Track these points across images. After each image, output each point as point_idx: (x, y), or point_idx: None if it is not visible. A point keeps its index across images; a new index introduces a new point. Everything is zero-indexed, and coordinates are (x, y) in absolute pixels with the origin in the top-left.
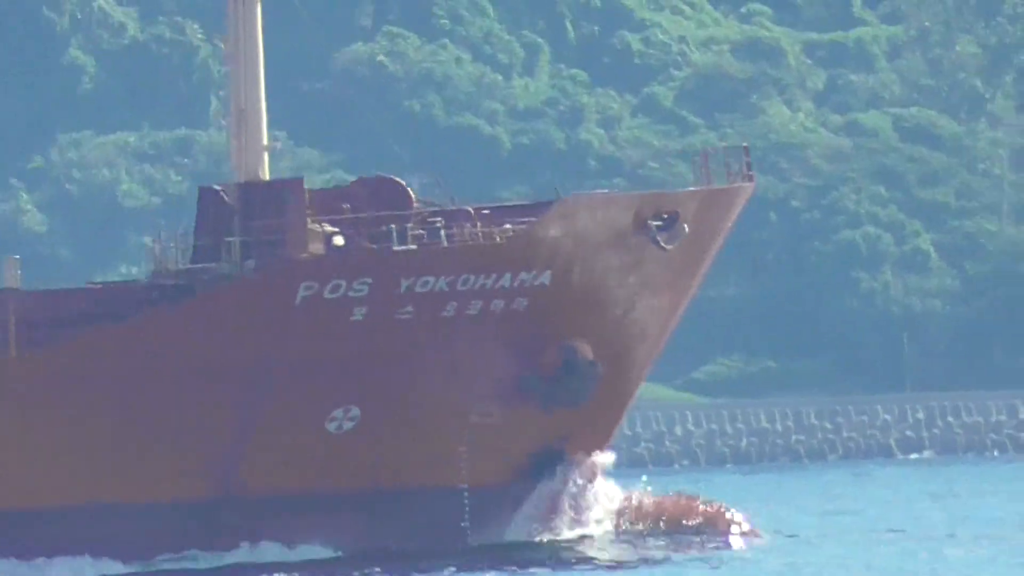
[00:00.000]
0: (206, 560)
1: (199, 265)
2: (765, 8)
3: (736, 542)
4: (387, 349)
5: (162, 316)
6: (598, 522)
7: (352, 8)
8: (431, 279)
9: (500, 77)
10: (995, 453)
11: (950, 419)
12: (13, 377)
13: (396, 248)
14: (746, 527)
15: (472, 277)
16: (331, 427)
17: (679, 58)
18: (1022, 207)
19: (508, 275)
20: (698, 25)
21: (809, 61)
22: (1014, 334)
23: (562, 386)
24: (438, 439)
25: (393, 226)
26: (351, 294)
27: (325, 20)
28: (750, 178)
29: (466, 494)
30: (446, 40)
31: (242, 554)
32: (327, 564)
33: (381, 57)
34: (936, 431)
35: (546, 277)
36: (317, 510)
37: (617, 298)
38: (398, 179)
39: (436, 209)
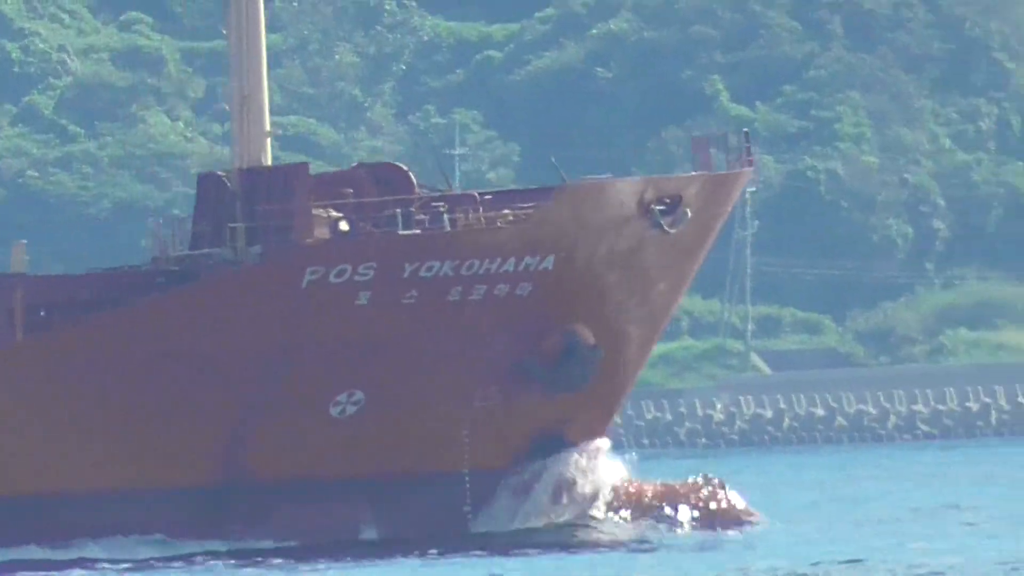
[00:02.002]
0: (212, 544)
1: (202, 251)
2: (145, 16)
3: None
4: (391, 334)
5: (168, 301)
6: (598, 505)
7: None
8: (436, 264)
9: None
10: None
11: None
12: (20, 362)
13: (401, 232)
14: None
15: (477, 262)
16: (335, 411)
17: (59, 67)
18: None
19: (512, 260)
20: (78, 33)
21: (189, 69)
22: None
23: (563, 371)
24: (441, 423)
25: (398, 210)
26: (356, 279)
27: None
28: (750, 163)
29: (467, 478)
30: None
31: (247, 538)
32: (329, 548)
33: None
34: None
35: (549, 262)
36: (321, 494)
37: (620, 282)
38: (400, 164)
39: (439, 194)
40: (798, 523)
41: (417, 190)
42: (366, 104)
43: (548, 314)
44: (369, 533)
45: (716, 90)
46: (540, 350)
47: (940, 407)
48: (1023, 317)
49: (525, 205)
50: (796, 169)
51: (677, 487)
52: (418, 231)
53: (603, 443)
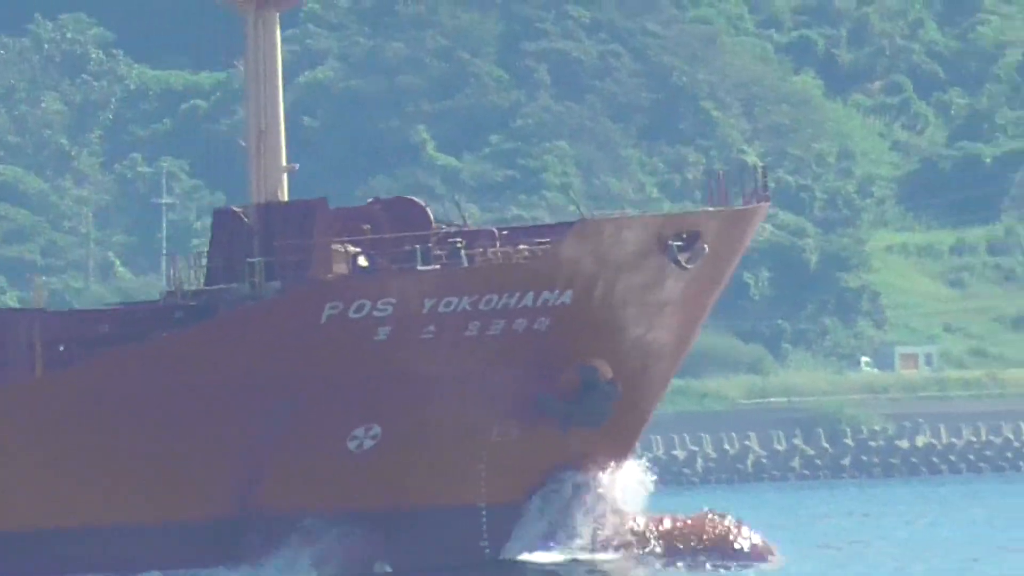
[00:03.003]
0: None
1: (218, 286)
2: None
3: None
4: (409, 368)
5: (186, 336)
6: (611, 540)
7: None
8: (454, 299)
9: None
10: None
11: None
12: (40, 398)
13: (420, 268)
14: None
15: (495, 297)
16: (352, 446)
17: None
18: (108, 264)
19: (531, 294)
20: None
21: None
22: None
23: (581, 406)
24: (458, 458)
25: (417, 246)
26: (375, 314)
27: None
28: (766, 198)
29: (484, 512)
30: None
31: (263, 572)
32: None
33: None
34: None
35: (567, 296)
36: (336, 528)
37: (637, 317)
38: (417, 199)
39: (457, 229)
40: None
41: (435, 225)
42: (72, 153)
43: (566, 349)
44: (382, 567)
45: (422, 139)
46: (558, 385)
47: (647, 454)
48: (729, 366)
49: (542, 240)
50: (502, 219)
51: (690, 523)
52: (437, 267)
53: (620, 477)
